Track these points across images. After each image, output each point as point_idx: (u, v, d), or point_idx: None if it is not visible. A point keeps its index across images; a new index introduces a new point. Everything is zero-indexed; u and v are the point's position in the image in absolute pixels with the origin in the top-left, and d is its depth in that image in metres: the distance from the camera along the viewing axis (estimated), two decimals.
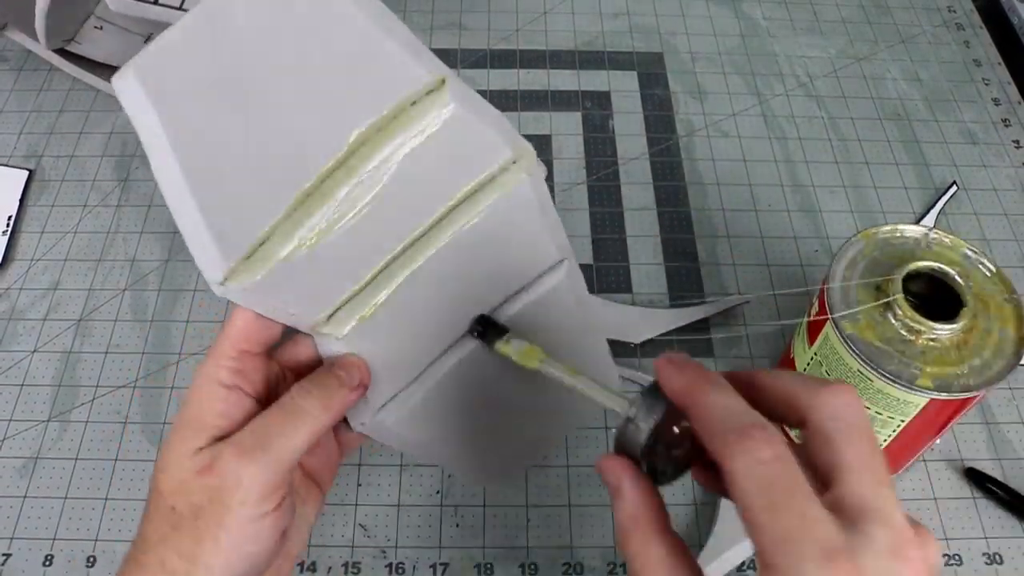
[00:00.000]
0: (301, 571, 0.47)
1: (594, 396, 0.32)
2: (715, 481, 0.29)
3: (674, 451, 0.29)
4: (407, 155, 0.32)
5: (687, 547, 0.28)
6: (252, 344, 0.33)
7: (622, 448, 0.29)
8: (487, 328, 0.36)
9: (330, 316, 0.33)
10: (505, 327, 0.36)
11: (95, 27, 0.60)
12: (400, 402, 0.36)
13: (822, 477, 0.26)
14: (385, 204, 0.32)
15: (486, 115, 0.33)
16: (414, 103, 0.32)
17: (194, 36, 0.31)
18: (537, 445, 0.45)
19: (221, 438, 0.31)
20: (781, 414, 0.28)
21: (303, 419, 0.32)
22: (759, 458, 0.25)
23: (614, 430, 0.29)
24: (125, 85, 0.31)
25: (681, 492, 0.49)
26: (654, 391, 0.29)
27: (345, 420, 0.35)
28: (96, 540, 0.48)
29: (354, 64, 0.31)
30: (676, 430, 0.29)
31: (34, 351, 0.55)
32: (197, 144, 0.30)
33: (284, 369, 0.35)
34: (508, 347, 0.35)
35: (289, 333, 0.35)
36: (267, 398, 0.33)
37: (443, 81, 0.32)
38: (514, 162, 0.34)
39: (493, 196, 0.34)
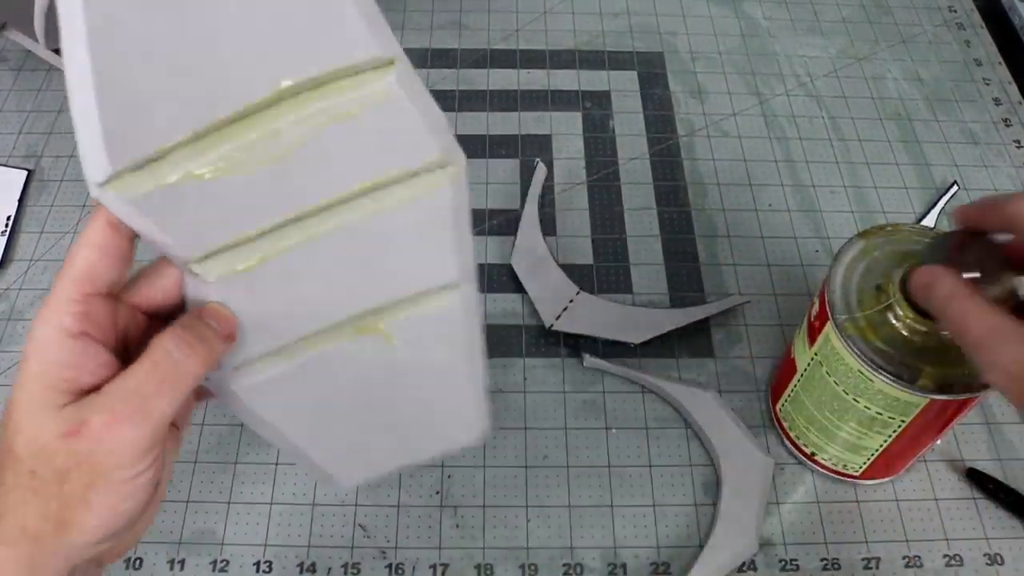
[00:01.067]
0: (301, 571, 0.47)
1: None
2: None
3: (992, 269, 0.36)
4: (333, 122, 0.30)
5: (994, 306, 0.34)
6: (97, 285, 0.30)
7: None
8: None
9: (206, 257, 0.31)
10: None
11: None
12: (255, 370, 0.34)
13: None
14: (295, 165, 0.30)
15: (426, 110, 0.32)
16: (356, 73, 0.30)
17: None
18: (396, 458, 0.43)
19: (78, 392, 0.29)
20: None
21: (181, 376, 0.29)
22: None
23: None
24: None
25: (681, 492, 0.49)
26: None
27: None
28: None
29: (309, 11, 0.29)
30: (979, 248, 0.37)
31: None
32: (115, 37, 0.27)
33: (134, 310, 0.31)
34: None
35: (142, 272, 0.32)
36: (117, 342, 0.31)
37: (392, 61, 0.30)
38: (440, 167, 0.33)
39: (407, 193, 0.33)
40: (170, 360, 0.29)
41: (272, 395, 0.36)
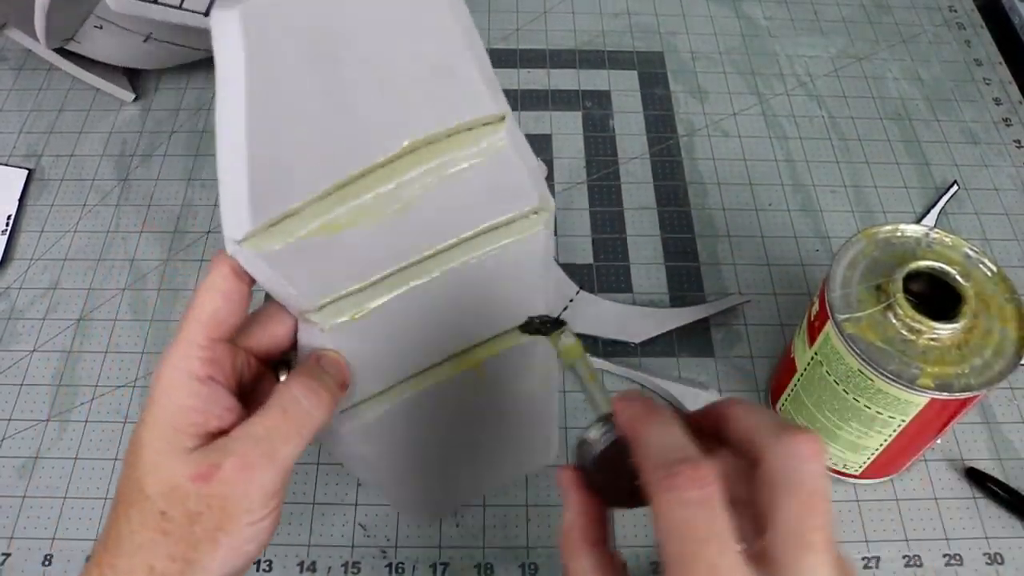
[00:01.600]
0: (301, 571, 0.47)
1: (598, 403, 0.32)
2: None
3: (636, 481, 0.29)
4: (449, 176, 0.32)
5: (620, 564, 0.28)
6: (222, 330, 0.31)
7: (579, 464, 0.30)
8: (551, 324, 0.37)
9: (324, 306, 0.32)
10: (563, 321, 0.37)
11: (95, 27, 0.60)
12: (360, 412, 0.36)
13: (759, 523, 0.25)
14: (411, 215, 0.32)
15: (528, 161, 0.34)
16: (471, 129, 0.32)
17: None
18: (477, 487, 0.46)
19: (206, 436, 0.30)
20: (744, 450, 0.27)
21: (309, 423, 0.30)
22: (682, 498, 0.24)
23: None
24: (225, 18, 0.28)
25: None
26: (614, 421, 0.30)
27: None
28: (95, 540, 0.47)
29: (434, 73, 0.31)
30: (630, 460, 0.29)
31: (33, 350, 0.55)
32: (271, 100, 0.29)
33: (247, 354, 0.32)
34: (559, 339, 0.36)
35: (254, 317, 0.33)
36: (237, 386, 0.32)
37: (503, 118, 0.32)
38: (535, 212, 0.35)
39: (509, 239, 0.34)
40: (299, 407, 0.30)
41: (375, 435, 0.37)
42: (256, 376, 0.33)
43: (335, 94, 0.30)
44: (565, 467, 0.30)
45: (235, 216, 0.29)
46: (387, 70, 0.30)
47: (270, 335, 0.32)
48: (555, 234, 0.36)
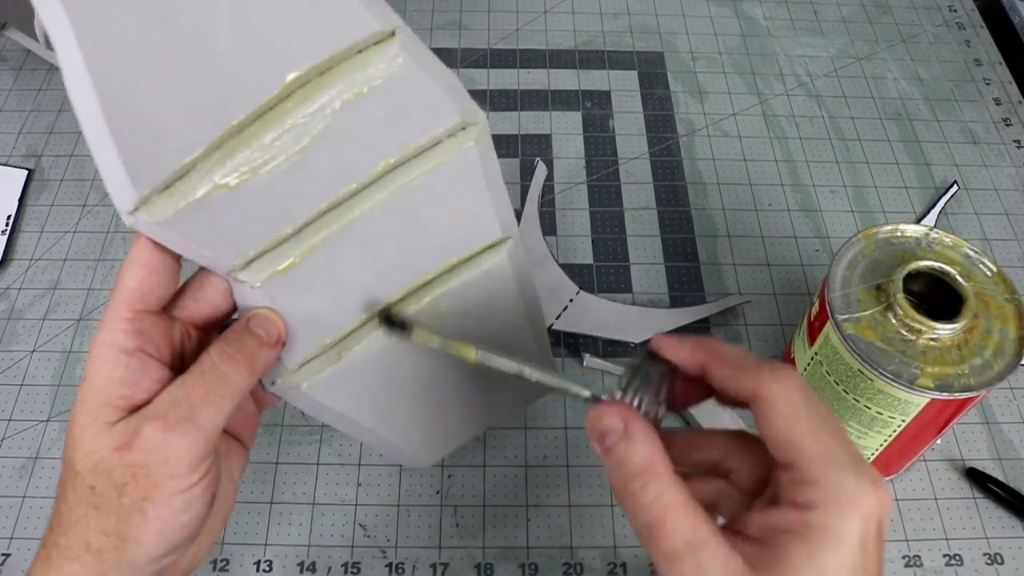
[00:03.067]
0: (301, 571, 0.47)
1: (548, 383, 0.32)
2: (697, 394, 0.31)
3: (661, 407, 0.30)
4: (346, 106, 0.30)
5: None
6: (148, 302, 0.30)
7: (630, 394, 0.30)
8: (392, 324, 0.34)
9: (247, 263, 0.31)
10: (407, 322, 0.34)
11: None
12: (317, 366, 0.34)
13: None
14: (317, 155, 0.30)
15: (437, 74, 0.31)
16: (360, 51, 0.30)
17: None
18: (477, 423, 0.42)
19: (133, 409, 0.30)
20: (732, 389, 0.29)
21: (227, 385, 0.30)
22: (797, 386, 0.27)
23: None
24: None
25: None
26: (646, 358, 0.31)
27: None
28: None
29: (301, 1, 0.29)
30: (664, 386, 0.30)
31: (33, 351, 0.55)
32: (114, 60, 0.27)
33: (186, 325, 0.32)
34: (432, 339, 0.33)
35: (186, 287, 0.33)
36: (172, 358, 0.31)
37: (393, 33, 0.30)
38: (463, 128, 0.32)
39: (435, 161, 0.32)
40: (216, 371, 0.30)
41: (339, 387, 0.35)
42: (200, 346, 0.32)
43: (188, 37, 0.28)
44: (608, 402, 0.29)
45: (118, 189, 0.28)
46: (243, 9, 0.28)
47: (207, 302, 0.32)
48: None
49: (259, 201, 0.30)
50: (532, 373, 0.32)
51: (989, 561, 0.47)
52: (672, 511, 0.26)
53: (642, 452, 0.28)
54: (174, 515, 0.29)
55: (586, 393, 0.31)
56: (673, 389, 0.31)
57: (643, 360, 0.31)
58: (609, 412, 0.29)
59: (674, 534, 0.26)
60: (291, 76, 0.29)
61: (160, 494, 0.29)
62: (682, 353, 0.30)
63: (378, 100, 0.30)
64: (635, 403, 0.29)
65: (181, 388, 0.30)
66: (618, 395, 0.30)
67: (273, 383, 0.34)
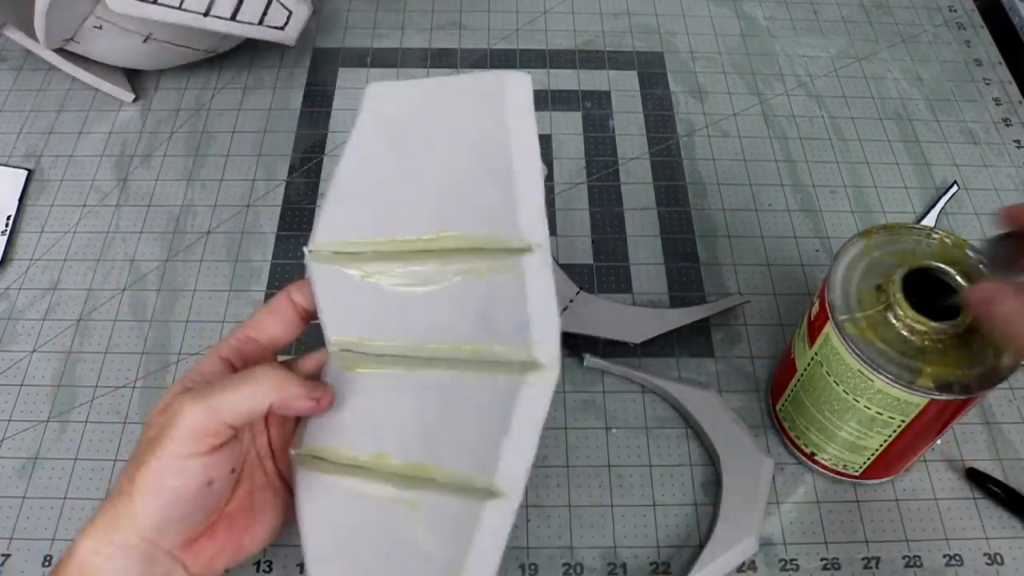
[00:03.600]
0: (301, 571, 0.47)
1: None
2: None
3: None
4: (464, 278, 0.35)
5: None
6: (260, 334, 0.39)
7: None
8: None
9: (342, 348, 0.39)
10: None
11: (94, 27, 0.60)
12: (322, 466, 0.38)
13: None
14: (421, 301, 0.36)
15: (539, 305, 0.34)
16: (500, 248, 0.34)
17: (414, 95, 0.38)
18: None
19: None
20: None
21: (251, 384, 0.35)
22: None
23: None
24: (373, 91, 0.39)
25: (681, 492, 0.49)
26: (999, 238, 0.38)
27: None
28: None
29: (480, 182, 0.35)
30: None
31: (33, 351, 0.55)
32: (363, 160, 0.38)
33: (268, 349, 0.40)
34: None
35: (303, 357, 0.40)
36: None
37: (530, 248, 0.34)
38: (533, 367, 0.33)
39: (493, 375, 0.34)
40: (253, 374, 0.35)
41: (326, 499, 0.38)
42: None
43: (401, 170, 0.37)
44: (979, 285, 0.37)
45: (316, 229, 0.38)
46: (441, 166, 0.36)
47: (269, 333, 0.40)
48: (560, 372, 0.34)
49: (373, 304, 0.37)
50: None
51: (989, 561, 0.47)
52: None
53: (1007, 307, 0.35)
54: (166, 475, 0.33)
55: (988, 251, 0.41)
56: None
57: (996, 240, 0.37)
58: (987, 285, 0.37)
59: None
60: (442, 232, 0.36)
61: (162, 452, 0.33)
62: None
63: (486, 291, 0.35)
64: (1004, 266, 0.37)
65: (223, 377, 0.36)
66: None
67: (293, 451, 0.39)
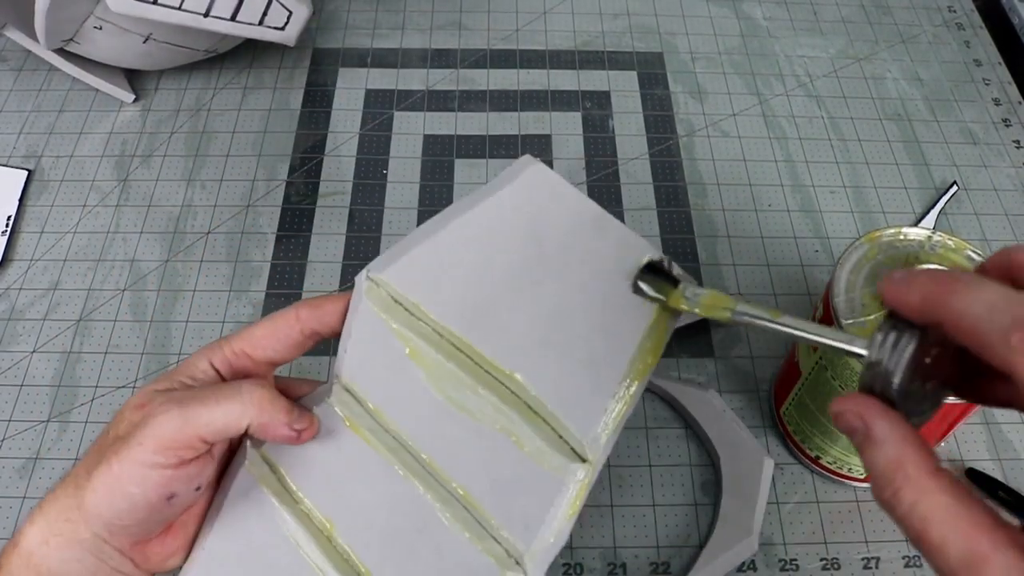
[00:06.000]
0: None
1: (824, 340, 0.28)
2: (992, 393, 0.26)
3: (928, 384, 0.24)
4: (501, 435, 0.33)
5: (967, 488, 0.22)
6: (256, 351, 0.35)
7: (871, 388, 0.25)
8: (657, 275, 0.34)
9: (347, 389, 0.36)
10: (676, 278, 0.34)
11: (95, 27, 0.60)
12: (280, 499, 0.35)
13: None
14: (453, 419, 0.33)
15: (559, 527, 0.33)
16: (556, 434, 0.33)
17: (570, 200, 0.37)
18: None
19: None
20: None
21: (233, 400, 0.33)
22: None
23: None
24: (534, 170, 0.39)
25: (681, 492, 0.49)
26: (895, 321, 0.24)
27: None
28: None
29: (585, 349, 0.33)
30: (928, 360, 0.24)
31: (33, 351, 0.55)
32: (487, 231, 0.36)
33: (262, 365, 0.37)
34: (682, 300, 0.33)
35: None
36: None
37: (585, 459, 0.33)
38: (514, 570, 0.33)
39: (481, 545, 0.33)
40: (234, 385, 0.33)
41: (246, 525, 0.36)
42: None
43: (506, 286, 0.34)
44: (848, 396, 0.25)
45: (385, 260, 0.35)
46: (566, 310, 0.34)
47: (266, 353, 0.36)
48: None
49: (402, 382, 0.35)
50: (797, 325, 0.31)
51: None
52: (934, 524, 0.22)
53: (887, 454, 0.23)
54: (126, 481, 0.31)
55: (869, 358, 0.25)
56: (944, 354, 0.24)
57: (891, 322, 0.24)
58: (845, 410, 0.24)
59: (943, 550, 0.21)
60: (519, 376, 0.33)
61: (126, 455, 0.31)
62: (911, 307, 0.23)
63: (514, 464, 0.33)
64: (883, 386, 0.24)
65: (204, 386, 0.34)
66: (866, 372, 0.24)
67: (253, 447, 0.36)
